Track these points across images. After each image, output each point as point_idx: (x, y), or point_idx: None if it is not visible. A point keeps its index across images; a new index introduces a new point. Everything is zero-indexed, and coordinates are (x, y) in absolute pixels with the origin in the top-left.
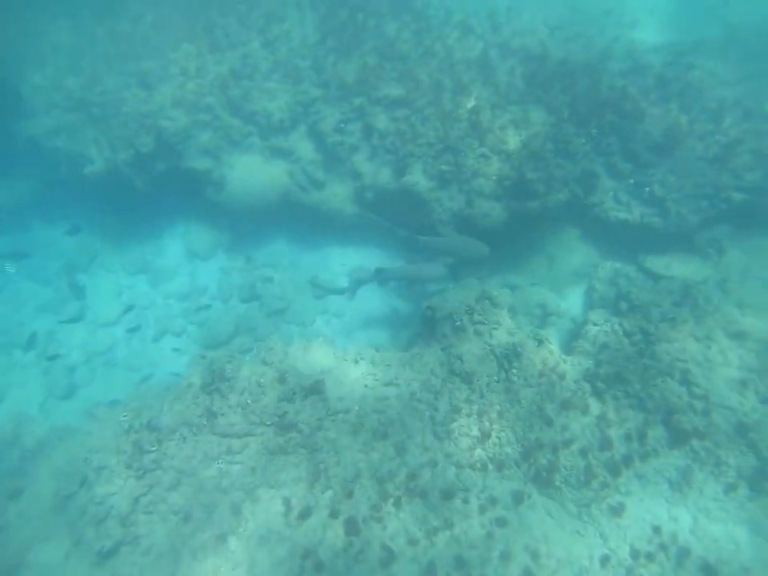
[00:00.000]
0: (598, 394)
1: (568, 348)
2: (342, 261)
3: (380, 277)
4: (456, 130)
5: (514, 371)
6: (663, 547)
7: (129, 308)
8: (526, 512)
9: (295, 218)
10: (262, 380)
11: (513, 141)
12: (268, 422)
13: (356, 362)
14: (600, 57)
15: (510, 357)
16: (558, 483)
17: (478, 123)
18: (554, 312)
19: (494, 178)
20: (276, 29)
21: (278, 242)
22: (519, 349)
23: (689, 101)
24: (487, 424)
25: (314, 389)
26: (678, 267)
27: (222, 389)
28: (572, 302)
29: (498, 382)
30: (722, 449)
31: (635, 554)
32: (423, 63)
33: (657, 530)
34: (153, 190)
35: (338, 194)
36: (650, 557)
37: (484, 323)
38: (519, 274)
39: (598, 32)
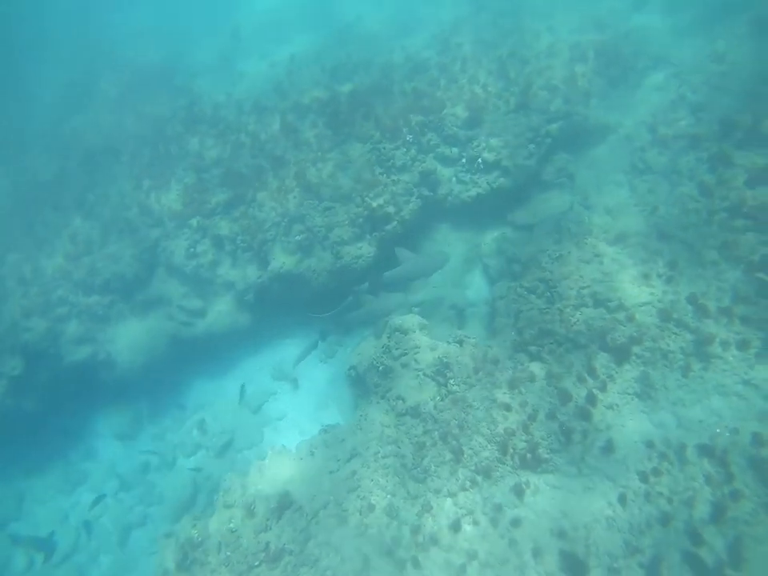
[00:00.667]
0: (535, 357)
1: (492, 329)
2: (260, 367)
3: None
4: (291, 199)
5: (451, 381)
6: (663, 456)
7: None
8: (533, 499)
9: (196, 351)
10: (232, 525)
11: (344, 182)
12: (256, 563)
13: (312, 454)
14: (382, 73)
15: (442, 371)
16: (545, 456)
17: (308, 182)
18: (465, 305)
19: (346, 223)
20: (91, 197)
21: (194, 382)
22: (445, 359)
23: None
24: (454, 443)
25: (283, 504)
26: (543, 208)
27: (198, 557)
28: (476, 286)
29: (442, 399)
30: (659, 341)
31: (644, 477)
32: (236, 158)
33: (650, 444)
34: (48, 400)
35: (222, 311)
36: (656, 472)
37: (405, 353)
38: (416, 289)
39: (374, 53)
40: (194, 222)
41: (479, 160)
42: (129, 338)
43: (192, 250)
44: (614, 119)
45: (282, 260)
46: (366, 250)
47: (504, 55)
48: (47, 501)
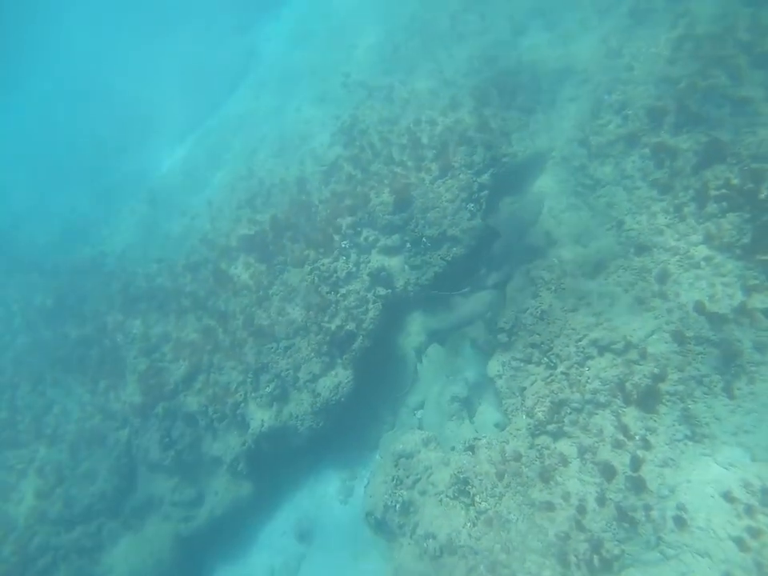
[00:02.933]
0: (558, 435)
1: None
2: (281, 531)
3: None
4: (248, 351)
5: (477, 498)
6: (750, 509)
7: None
8: None
9: (208, 541)
10: None
11: (295, 314)
12: None
13: None
14: (298, 187)
15: (463, 488)
16: (615, 552)
17: (260, 327)
18: (469, 392)
19: (312, 356)
20: (50, 419)
21: (219, 572)
22: (462, 474)
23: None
24: (506, 571)
25: None
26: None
27: None
28: (473, 365)
29: (474, 524)
30: (687, 368)
31: (741, 543)
32: (183, 326)
33: (729, 496)
34: None
35: (219, 490)
36: (753, 532)
37: (418, 479)
38: (399, 407)
39: (285, 170)
40: (159, 409)
41: (423, 239)
42: (129, 560)
43: (167, 439)
44: (544, 144)
45: (260, 418)
46: (342, 375)
47: (411, 124)
48: None
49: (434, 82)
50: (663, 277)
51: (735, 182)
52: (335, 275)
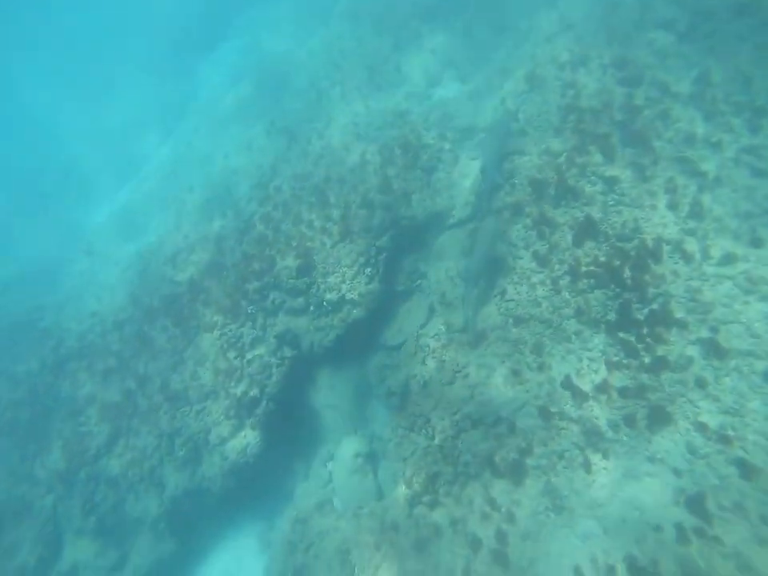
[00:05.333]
0: (434, 505)
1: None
2: None
3: None
4: (163, 415)
5: (356, 569)
6: None
7: None
8: None
9: None
10: None
11: (206, 378)
12: None
13: None
14: (216, 246)
15: (345, 558)
16: None
17: (174, 392)
18: (373, 446)
19: (222, 419)
20: None
21: None
22: (344, 546)
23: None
24: None
25: None
26: (408, 322)
27: None
28: (380, 419)
29: None
30: (550, 443)
31: None
32: (107, 387)
33: (578, 571)
34: None
35: (142, 549)
36: None
37: (312, 543)
38: (312, 459)
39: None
40: (82, 474)
41: (324, 303)
42: None
43: (89, 504)
44: (444, 203)
45: (174, 481)
46: (250, 437)
47: (320, 181)
48: None
49: (348, 137)
50: (538, 349)
51: (603, 259)
52: (241, 341)
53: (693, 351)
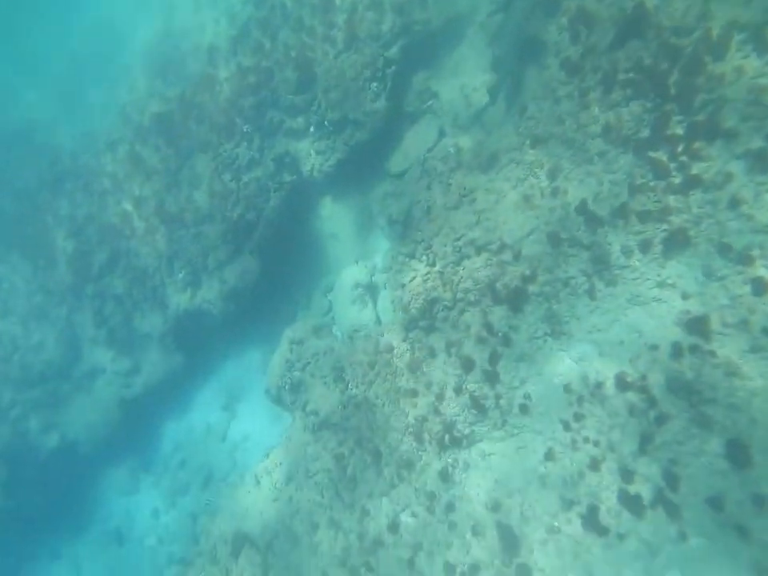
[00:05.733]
0: (430, 329)
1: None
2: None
3: None
4: (160, 238)
5: (350, 384)
6: (582, 399)
7: None
8: (465, 476)
9: (150, 403)
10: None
11: (202, 201)
12: None
13: (258, 483)
14: (208, 57)
15: (339, 375)
16: (466, 431)
17: (170, 214)
18: (372, 275)
19: (219, 243)
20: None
21: (164, 427)
22: (338, 363)
23: None
24: (370, 445)
25: (238, 545)
26: (415, 145)
27: None
28: (382, 250)
29: (345, 407)
30: (555, 270)
31: (567, 425)
32: (104, 208)
33: (568, 388)
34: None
35: (154, 361)
36: (578, 417)
37: (308, 362)
38: (313, 289)
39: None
40: (89, 289)
41: (325, 122)
42: (84, 415)
43: (99, 317)
44: (465, 5)
45: (176, 301)
46: (247, 263)
47: None
48: None
49: None
50: (554, 172)
51: (648, 62)
52: (237, 162)
53: (735, 167)
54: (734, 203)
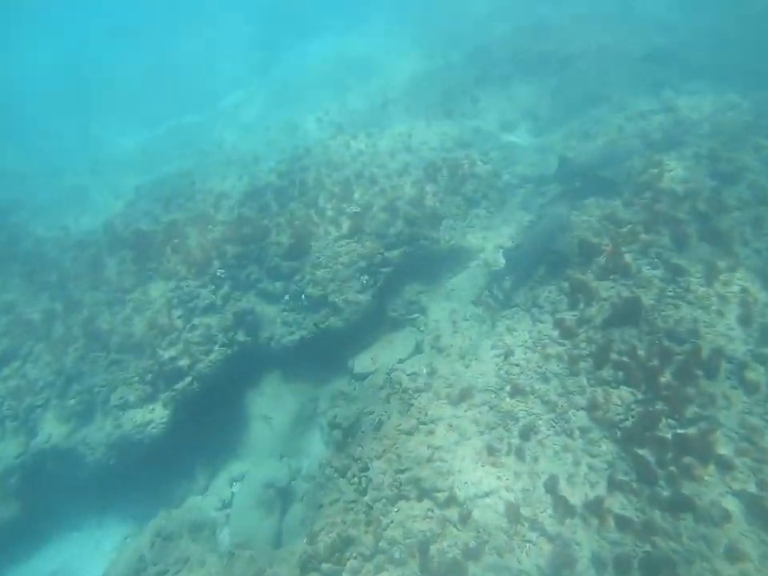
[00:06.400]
0: None
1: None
2: None
3: None
4: (72, 351)
5: None
6: None
7: None
8: None
9: None
10: None
11: (138, 327)
12: None
13: None
14: (215, 201)
15: None
16: None
17: (98, 330)
18: (292, 481)
19: (135, 380)
20: None
21: None
22: None
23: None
24: None
25: None
26: (387, 352)
27: None
28: (315, 453)
29: None
30: (506, 555)
31: None
32: (34, 301)
33: None
34: None
35: None
36: None
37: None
38: (219, 470)
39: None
40: None
41: (303, 296)
42: None
43: None
44: (476, 242)
45: (48, 431)
46: (157, 413)
47: (352, 175)
48: None
49: (398, 145)
50: (528, 432)
51: (641, 353)
52: (195, 301)
53: (733, 505)
54: (736, 556)
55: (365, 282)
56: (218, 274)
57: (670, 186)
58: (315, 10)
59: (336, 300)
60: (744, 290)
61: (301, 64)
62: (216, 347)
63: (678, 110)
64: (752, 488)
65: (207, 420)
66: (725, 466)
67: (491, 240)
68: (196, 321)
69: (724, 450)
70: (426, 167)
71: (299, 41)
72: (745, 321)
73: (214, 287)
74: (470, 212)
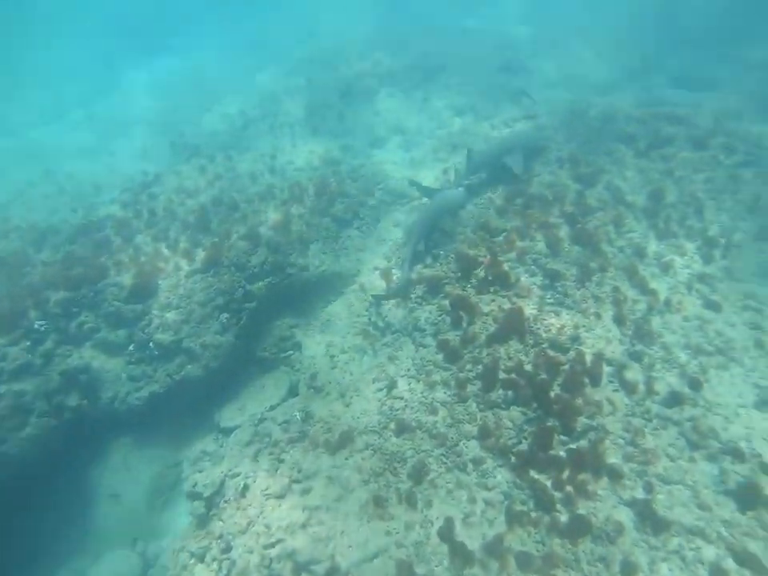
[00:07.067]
0: None
1: None
2: None
3: None
4: None
5: None
6: None
7: None
8: None
9: None
10: None
11: None
12: None
13: None
14: (42, 238)
15: None
16: None
17: None
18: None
19: None
20: None
21: None
22: None
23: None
24: None
25: None
26: (257, 400)
27: None
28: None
29: None
30: None
31: None
32: None
33: None
34: None
35: None
36: None
37: None
38: None
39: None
40: None
41: (151, 344)
42: None
43: None
44: (350, 266)
45: None
46: None
47: (208, 202)
48: None
49: (261, 167)
50: (419, 473)
51: (528, 368)
52: (1, 363)
53: (624, 515)
54: (630, 570)
55: (225, 320)
56: (37, 326)
57: (540, 190)
58: (165, 26)
59: (192, 345)
60: (615, 289)
61: (150, 81)
62: (32, 419)
63: (537, 117)
64: (639, 493)
65: (28, 519)
66: (615, 475)
67: (366, 262)
68: (2, 388)
69: (613, 458)
70: (290, 188)
71: (147, 57)
72: (619, 320)
73: (30, 343)
74: (341, 233)
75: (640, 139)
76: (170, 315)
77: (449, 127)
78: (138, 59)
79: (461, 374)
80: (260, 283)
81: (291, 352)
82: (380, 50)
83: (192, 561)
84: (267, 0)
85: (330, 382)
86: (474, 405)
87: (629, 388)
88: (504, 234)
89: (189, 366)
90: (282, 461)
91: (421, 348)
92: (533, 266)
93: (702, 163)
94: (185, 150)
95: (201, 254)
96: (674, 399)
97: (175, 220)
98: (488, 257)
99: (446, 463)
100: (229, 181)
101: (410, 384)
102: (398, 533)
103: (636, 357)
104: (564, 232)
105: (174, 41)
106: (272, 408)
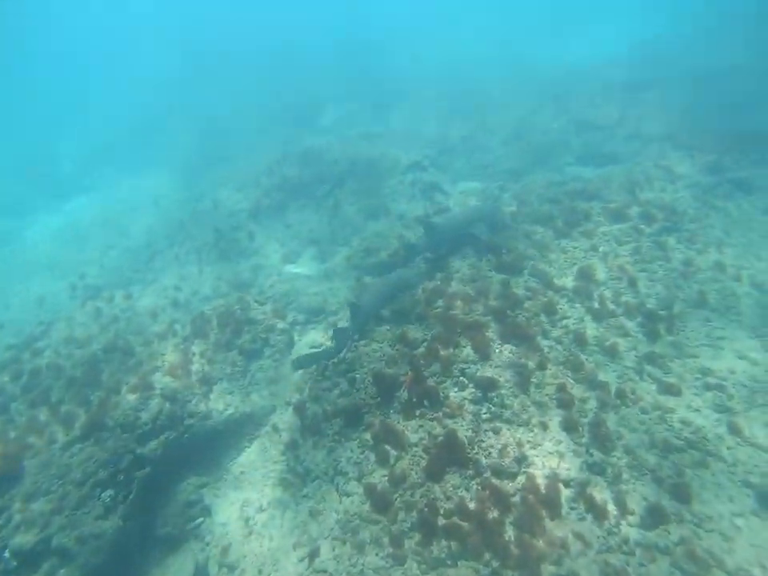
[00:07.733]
0: None
1: None
2: None
3: None
4: None
5: None
6: None
7: None
8: None
9: None
10: None
11: None
12: None
13: None
14: None
15: None
16: None
17: None
18: None
19: None
20: None
21: None
22: None
23: None
24: None
25: None
26: None
27: None
28: None
29: None
30: None
31: None
32: None
33: None
34: None
35: None
36: None
37: None
38: None
39: None
40: None
41: (6, 553)
42: None
43: None
44: (261, 403)
45: None
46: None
47: (100, 350)
48: None
49: (163, 301)
50: None
51: (472, 506)
52: None
53: None
54: None
55: (109, 499)
56: None
57: (461, 288)
58: (71, 170)
59: (65, 541)
60: (559, 389)
61: (54, 224)
62: None
63: (448, 210)
64: None
65: None
66: None
67: (280, 395)
68: None
69: None
70: (193, 322)
71: (54, 201)
72: (569, 426)
73: None
74: (250, 366)
75: (557, 218)
76: (37, 506)
77: (362, 231)
78: (49, 202)
79: (393, 527)
80: (154, 442)
81: (201, 519)
82: (288, 162)
83: None
84: None
85: (245, 556)
86: (416, 566)
87: (596, 512)
88: (425, 343)
89: (62, 572)
90: None
91: (345, 497)
92: (461, 378)
93: (625, 235)
94: (85, 292)
95: (82, 418)
96: (654, 516)
97: (60, 378)
98: (409, 373)
99: None
100: (126, 321)
101: (334, 549)
102: None
103: (597, 469)
104: (492, 331)
105: (87, 180)
106: None
